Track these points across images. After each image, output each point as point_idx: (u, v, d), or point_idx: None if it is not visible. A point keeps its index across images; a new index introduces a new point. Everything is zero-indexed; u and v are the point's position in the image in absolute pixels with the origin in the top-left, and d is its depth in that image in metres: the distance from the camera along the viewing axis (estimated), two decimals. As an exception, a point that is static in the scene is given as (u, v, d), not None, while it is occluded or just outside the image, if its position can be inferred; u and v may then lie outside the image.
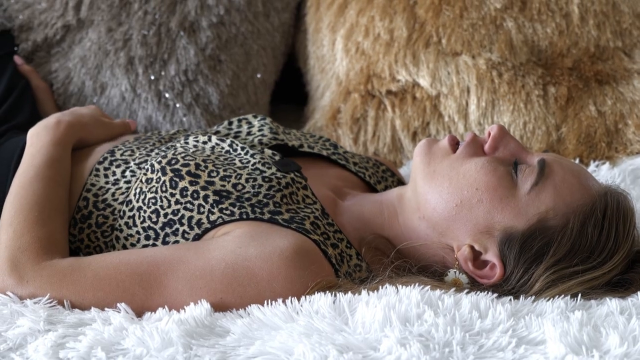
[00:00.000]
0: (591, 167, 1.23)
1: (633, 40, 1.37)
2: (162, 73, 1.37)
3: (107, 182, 1.02)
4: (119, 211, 0.98)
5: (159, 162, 0.95)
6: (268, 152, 1.01)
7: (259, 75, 1.44)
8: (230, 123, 1.12)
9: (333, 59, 1.41)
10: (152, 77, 1.36)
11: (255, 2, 1.44)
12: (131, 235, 0.96)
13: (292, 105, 1.54)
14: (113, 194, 1.00)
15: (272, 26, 1.47)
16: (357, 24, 1.39)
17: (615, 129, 1.27)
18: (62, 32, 1.42)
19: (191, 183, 0.93)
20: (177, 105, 1.36)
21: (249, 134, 1.09)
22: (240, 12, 1.43)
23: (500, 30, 1.34)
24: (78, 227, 0.99)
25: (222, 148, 1.02)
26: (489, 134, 0.94)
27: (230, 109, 1.39)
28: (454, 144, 0.95)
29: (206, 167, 0.95)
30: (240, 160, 0.99)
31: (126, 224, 0.96)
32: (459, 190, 0.92)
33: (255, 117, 1.12)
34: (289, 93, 1.54)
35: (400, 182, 1.17)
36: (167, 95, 1.36)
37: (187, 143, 1.05)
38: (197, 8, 1.40)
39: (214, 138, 1.04)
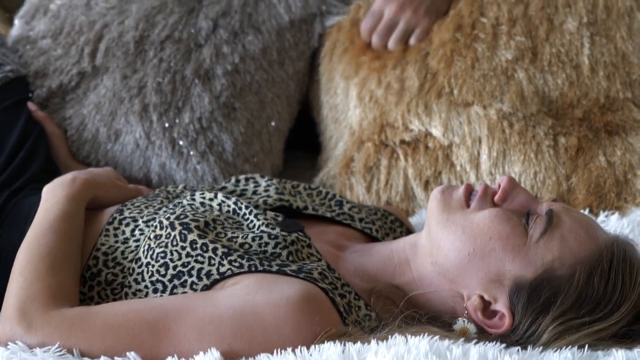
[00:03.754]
0: (600, 217, 1.38)
1: (642, 93, 1.56)
2: (177, 120, 1.54)
3: (116, 242, 1.15)
4: (129, 269, 1.10)
5: (168, 219, 1.09)
6: (271, 214, 1.15)
7: (273, 123, 1.62)
8: (238, 180, 1.28)
9: (346, 108, 1.60)
10: (167, 125, 1.54)
11: (270, 51, 1.63)
12: (140, 290, 1.06)
13: (306, 152, 1.72)
14: (122, 252, 1.13)
15: (287, 74, 1.65)
16: (370, 73, 1.58)
17: (625, 179, 1.44)
18: (77, 79, 1.59)
19: (200, 236, 1.06)
20: (191, 152, 1.53)
21: (254, 193, 1.25)
22: (255, 60, 1.62)
23: (512, 81, 1.52)
24: (88, 285, 1.11)
25: (228, 206, 1.18)
26: (499, 185, 1.08)
27: (244, 156, 1.56)
28: (469, 195, 1.08)
29: (215, 227, 1.10)
30: (245, 221, 1.14)
31: (135, 280, 1.08)
32: (472, 239, 1.03)
33: (262, 177, 1.28)
34: (303, 140, 1.71)
35: (409, 231, 1.32)
36: (181, 142, 1.54)
37: (193, 200, 1.20)
38: (212, 56, 1.59)
39: (220, 195, 1.19)
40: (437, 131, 1.50)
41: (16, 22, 1.72)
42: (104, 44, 1.61)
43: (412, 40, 1.62)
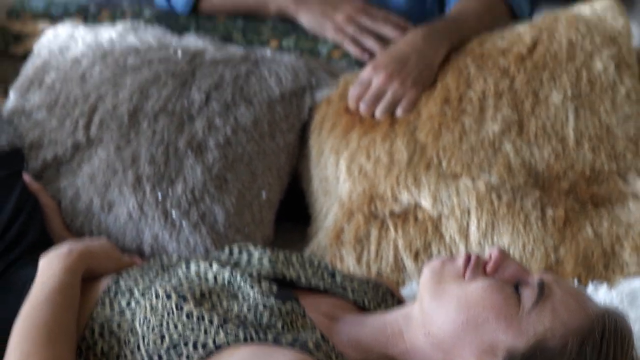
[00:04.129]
0: (589, 289, 1.40)
1: (627, 164, 1.61)
2: (170, 192, 1.58)
3: (112, 312, 1.17)
4: (125, 340, 1.12)
5: (164, 289, 1.12)
6: (265, 284, 1.17)
7: (264, 195, 1.65)
8: (231, 251, 1.32)
9: (336, 180, 1.65)
10: (160, 196, 1.58)
11: (261, 123, 1.68)
12: None
13: (296, 224, 1.75)
14: (119, 324, 1.15)
15: (278, 147, 1.70)
16: (360, 147, 1.63)
17: (612, 251, 1.48)
18: (71, 151, 1.63)
19: (196, 307, 1.08)
20: (184, 223, 1.57)
21: (248, 263, 1.28)
22: (247, 132, 1.66)
23: (499, 154, 1.58)
24: (84, 356, 1.13)
25: (224, 276, 1.21)
26: (490, 256, 1.11)
27: (235, 227, 1.59)
28: (467, 265, 1.11)
29: (210, 297, 1.13)
30: (241, 291, 1.17)
31: (131, 351, 1.09)
32: (466, 309, 1.06)
33: (255, 247, 1.32)
34: (293, 212, 1.75)
35: (400, 302, 1.34)
36: (174, 213, 1.57)
37: (188, 270, 1.23)
38: (204, 128, 1.64)
39: (215, 265, 1.22)
40: (426, 202, 1.54)
41: (11, 94, 1.76)
42: (99, 116, 1.66)
43: (399, 111, 1.66)
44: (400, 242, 1.54)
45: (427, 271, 1.13)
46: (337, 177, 1.64)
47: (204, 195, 1.59)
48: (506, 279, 1.09)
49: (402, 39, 1.75)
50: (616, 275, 1.46)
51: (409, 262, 1.53)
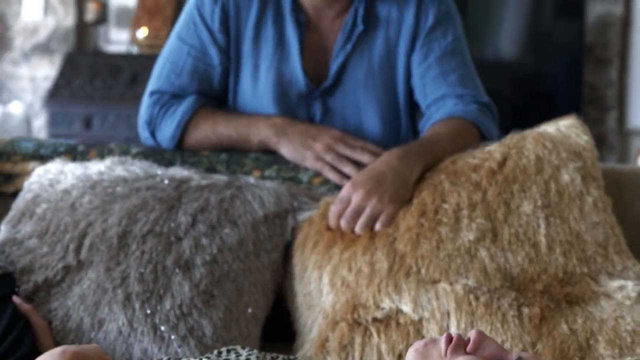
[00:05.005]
0: None
1: (597, 267, 1.74)
2: (158, 307, 1.69)
3: None
4: None
5: None
6: None
7: (250, 310, 1.76)
8: (220, 353, 1.44)
9: (319, 294, 1.77)
10: (149, 312, 1.68)
11: (246, 243, 1.81)
12: None
13: (281, 342, 1.86)
14: None
15: (262, 265, 1.82)
16: (341, 260, 1.77)
17: (587, 345, 1.58)
18: (62, 273, 1.74)
19: None
20: (172, 337, 1.67)
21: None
22: (232, 251, 1.78)
23: (475, 259, 1.71)
24: None
25: None
26: (469, 338, 1.24)
27: (222, 341, 1.68)
28: (449, 344, 1.24)
29: None
30: None
31: None
32: None
33: (243, 348, 1.45)
34: (278, 331, 1.87)
35: None
36: (162, 328, 1.67)
37: None
38: (191, 247, 1.77)
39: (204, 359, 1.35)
40: (407, 307, 1.66)
41: (2, 227, 1.88)
42: (89, 240, 1.78)
43: (378, 226, 1.80)
44: (384, 347, 1.65)
45: (411, 352, 1.26)
46: (321, 290, 1.76)
47: (192, 310, 1.70)
48: (486, 356, 1.22)
49: (379, 159, 1.91)
50: (590, 381, 1.57)
51: (392, 364, 1.64)
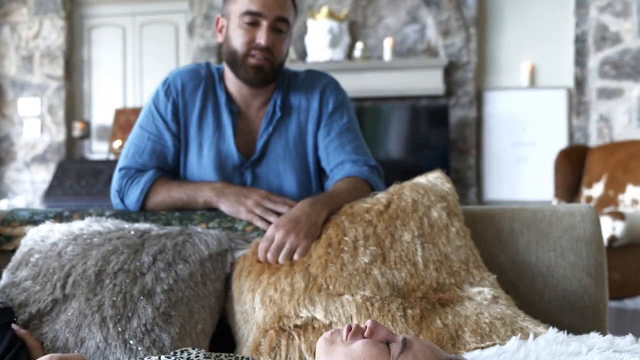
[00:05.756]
0: None
1: (462, 278, 1.77)
2: (127, 326, 1.66)
3: None
4: None
5: None
6: None
7: (199, 327, 1.75)
8: (175, 353, 1.43)
9: (253, 311, 1.77)
10: (120, 330, 1.66)
11: (195, 275, 1.80)
12: None
13: (226, 352, 1.83)
14: None
15: (209, 292, 1.81)
16: (269, 284, 1.77)
17: (457, 335, 1.61)
18: (51, 305, 1.72)
19: None
20: (139, 348, 1.65)
21: (188, 358, 1.39)
22: (185, 281, 1.78)
23: (370, 276, 1.73)
24: None
25: None
26: (366, 325, 1.25)
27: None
28: (348, 332, 1.24)
29: None
30: None
31: None
32: None
33: (194, 348, 1.44)
34: (222, 343, 1.85)
35: None
36: (131, 342, 1.65)
37: None
38: (153, 280, 1.76)
39: (163, 358, 1.35)
40: (320, 315, 1.67)
41: (4, 275, 1.86)
42: (72, 278, 1.76)
43: (296, 256, 1.82)
44: (303, 346, 1.65)
45: (320, 340, 1.26)
46: (254, 307, 1.76)
47: (154, 327, 1.69)
48: (379, 339, 1.23)
49: (295, 207, 1.94)
50: (461, 351, 1.58)
51: (310, 359, 1.64)
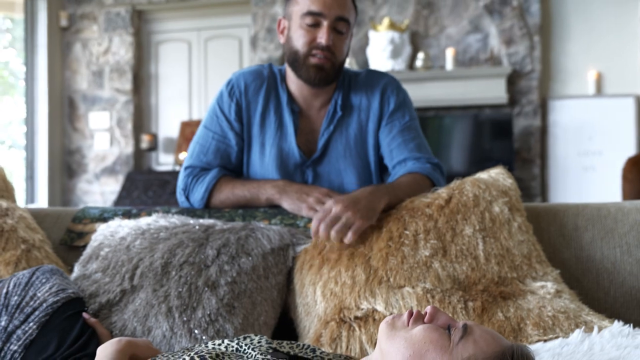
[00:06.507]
0: None
1: (524, 272, 1.76)
2: (192, 316, 1.71)
3: None
4: None
5: (189, 355, 1.26)
6: (264, 349, 1.33)
7: (262, 319, 1.78)
8: (238, 338, 1.46)
9: (314, 303, 1.79)
10: (185, 320, 1.71)
11: (258, 268, 1.84)
12: None
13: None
14: None
15: (271, 285, 1.84)
16: (330, 277, 1.79)
17: (519, 327, 1.60)
18: (120, 295, 1.77)
19: None
20: (204, 338, 1.69)
21: (251, 342, 1.41)
22: (248, 274, 1.81)
23: (430, 270, 1.73)
24: None
25: (232, 347, 1.36)
26: (426, 312, 1.26)
27: (242, 340, 1.72)
28: (410, 317, 1.25)
29: (223, 358, 1.27)
30: (245, 355, 1.31)
31: None
32: (411, 345, 1.19)
33: (255, 335, 1.46)
34: (284, 336, 1.87)
35: None
36: (196, 331, 1.69)
37: (206, 345, 1.38)
38: (217, 272, 1.80)
39: (225, 340, 1.38)
40: (380, 307, 1.68)
41: (75, 268, 1.92)
42: (140, 270, 1.82)
43: (349, 235, 1.79)
44: (364, 337, 1.65)
45: (383, 324, 1.27)
46: (315, 300, 1.78)
47: (218, 317, 1.72)
48: (440, 324, 1.24)
49: (357, 189, 1.94)
50: (524, 343, 1.57)
51: (371, 351, 1.64)
